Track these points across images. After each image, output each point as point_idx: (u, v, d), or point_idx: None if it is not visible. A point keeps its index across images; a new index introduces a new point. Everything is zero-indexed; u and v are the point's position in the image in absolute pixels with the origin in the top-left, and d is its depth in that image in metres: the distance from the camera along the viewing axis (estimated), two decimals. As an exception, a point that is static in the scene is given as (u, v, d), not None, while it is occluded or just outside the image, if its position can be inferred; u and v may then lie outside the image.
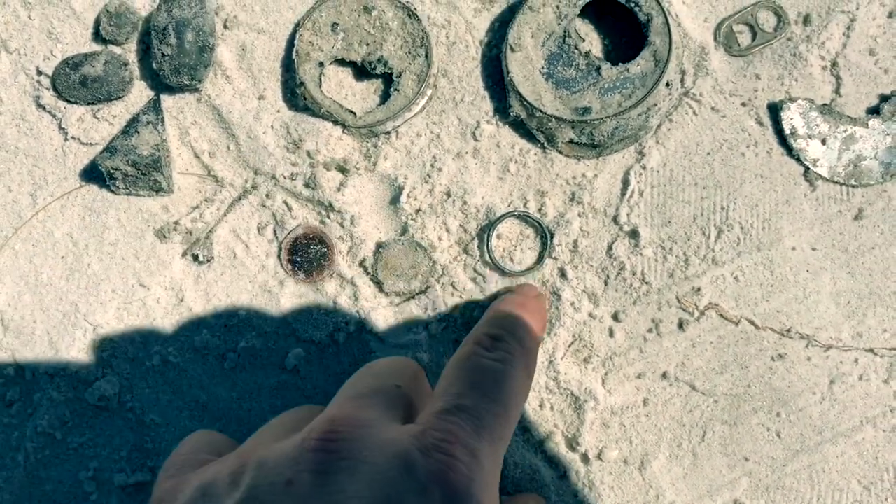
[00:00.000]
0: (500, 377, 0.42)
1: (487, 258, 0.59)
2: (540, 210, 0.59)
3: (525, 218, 0.52)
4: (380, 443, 0.35)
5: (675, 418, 0.57)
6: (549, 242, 0.56)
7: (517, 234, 0.60)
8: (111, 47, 0.61)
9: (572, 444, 0.58)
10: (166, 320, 0.61)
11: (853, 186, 0.58)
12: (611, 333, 0.58)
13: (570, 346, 0.58)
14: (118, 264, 0.61)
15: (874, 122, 0.59)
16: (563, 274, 0.58)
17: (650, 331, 0.58)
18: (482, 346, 0.44)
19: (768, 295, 0.57)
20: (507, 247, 0.59)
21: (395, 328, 0.60)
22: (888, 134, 0.58)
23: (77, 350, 0.61)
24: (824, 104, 0.59)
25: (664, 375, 0.57)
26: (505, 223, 0.59)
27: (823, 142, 0.59)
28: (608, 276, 0.58)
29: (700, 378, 0.57)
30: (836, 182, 0.58)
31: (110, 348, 0.61)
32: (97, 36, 0.62)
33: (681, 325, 0.58)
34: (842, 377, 0.56)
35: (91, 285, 0.61)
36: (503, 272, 0.59)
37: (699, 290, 0.58)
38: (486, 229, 0.59)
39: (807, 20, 0.60)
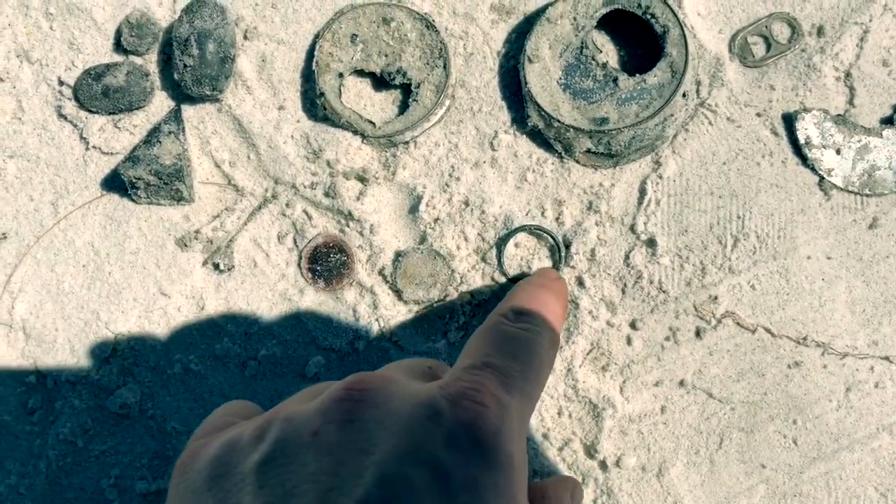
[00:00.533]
0: (527, 342, 0.41)
1: (500, 273, 0.60)
2: (557, 219, 0.60)
3: (537, 232, 0.50)
4: (406, 393, 0.34)
5: (693, 426, 0.58)
6: (561, 254, 0.56)
7: (535, 243, 0.60)
8: (132, 58, 0.62)
9: (591, 451, 0.58)
10: (187, 328, 0.61)
11: (867, 196, 0.59)
12: (628, 341, 0.59)
13: (588, 354, 0.59)
14: (139, 273, 0.62)
15: (888, 132, 0.59)
16: (580, 282, 0.59)
17: (667, 339, 0.58)
18: (507, 318, 0.44)
19: (784, 303, 0.58)
20: (525, 255, 0.60)
21: (414, 336, 0.60)
22: (902, 144, 0.59)
23: (98, 358, 0.61)
24: (838, 115, 0.60)
25: (682, 383, 0.58)
26: (520, 233, 0.60)
27: (838, 152, 0.59)
28: (625, 285, 0.59)
29: (717, 386, 0.58)
30: (851, 191, 0.59)
31: (132, 356, 0.61)
32: (118, 47, 0.63)
33: (698, 334, 0.58)
34: (858, 385, 0.57)
35: (112, 294, 0.62)
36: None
37: (716, 298, 0.58)
38: (499, 244, 0.59)
39: (820, 31, 0.61)
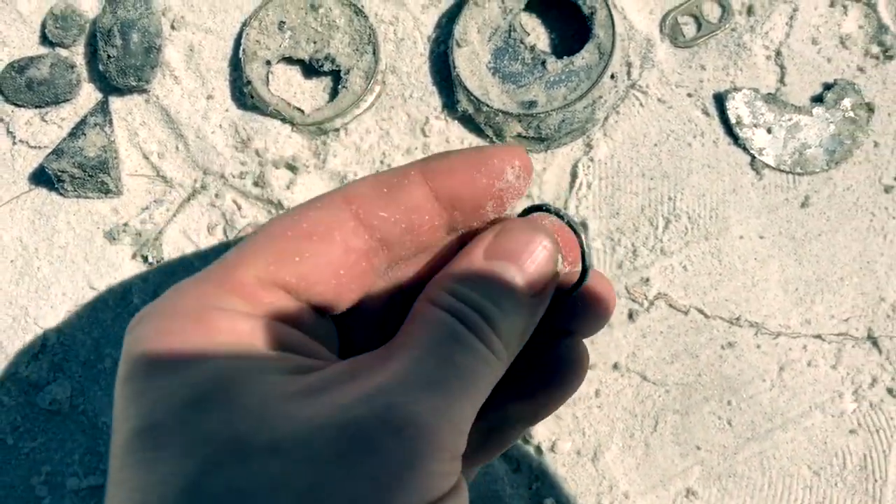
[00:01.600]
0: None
1: None
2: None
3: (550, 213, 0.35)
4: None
5: (627, 409, 0.58)
6: (583, 242, 0.35)
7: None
8: (58, 50, 0.62)
9: (525, 436, 0.58)
10: (117, 322, 0.61)
11: (799, 174, 0.59)
12: None
13: (521, 338, 0.59)
14: (68, 267, 0.61)
15: (818, 110, 0.60)
16: None
17: None
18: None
19: (717, 284, 0.58)
20: None
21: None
22: (831, 122, 0.59)
23: (27, 354, 0.61)
24: (769, 93, 0.60)
25: (615, 366, 0.58)
26: None
27: (769, 131, 0.59)
28: None
29: (651, 368, 0.58)
30: (783, 170, 0.59)
31: (61, 352, 0.61)
32: (44, 39, 0.62)
33: (631, 316, 0.58)
34: (791, 364, 0.57)
35: (41, 289, 0.61)
36: None
37: (648, 280, 0.58)
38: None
39: (750, 10, 0.61)
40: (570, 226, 0.33)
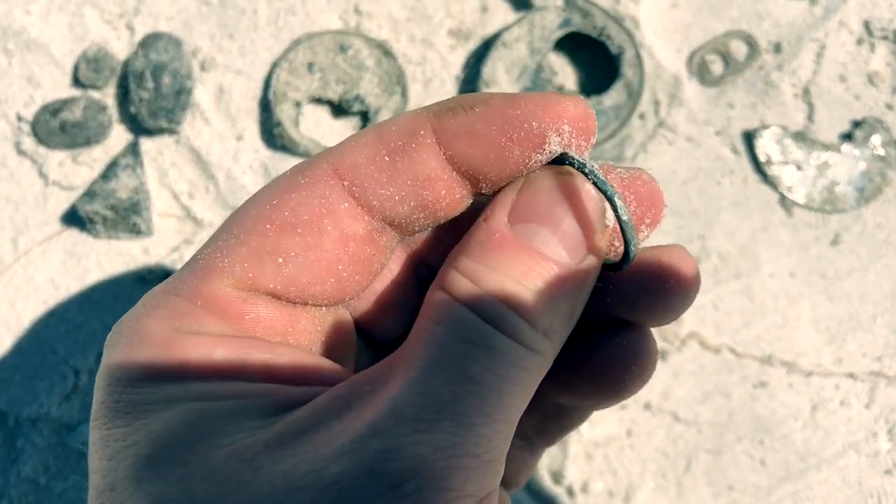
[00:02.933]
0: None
1: None
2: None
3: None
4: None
5: (659, 449, 0.58)
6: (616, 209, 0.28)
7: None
8: (90, 92, 0.63)
9: (557, 477, 0.58)
10: (148, 362, 0.62)
11: (829, 212, 0.60)
12: None
13: (552, 378, 0.59)
14: (98, 308, 0.62)
15: (847, 147, 0.60)
16: None
17: None
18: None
19: (748, 322, 0.58)
20: None
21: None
22: (860, 159, 0.60)
23: (59, 395, 0.61)
24: (797, 131, 0.61)
25: (647, 406, 0.58)
26: None
27: (798, 168, 0.60)
28: None
29: (683, 408, 0.58)
30: (812, 208, 0.60)
31: (93, 392, 0.62)
32: (76, 81, 0.64)
33: (662, 356, 0.59)
34: (824, 403, 0.57)
35: (72, 329, 0.62)
36: None
37: (680, 319, 0.59)
38: None
39: (778, 48, 0.62)
40: (597, 186, 0.24)
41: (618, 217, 0.25)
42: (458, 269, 0.24)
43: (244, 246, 0.25)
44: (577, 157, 0.25)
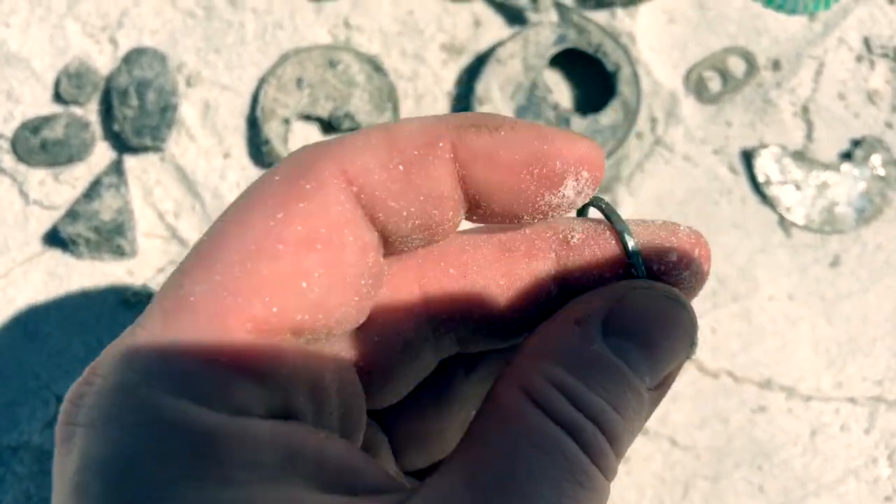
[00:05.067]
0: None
1: None
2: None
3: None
4: None
5: (657, 474, 0.59)
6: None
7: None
8: (72, 108, 0.63)
9: (552, 504, 0.59)
10: (133, 387, 0.61)
11: (828, 233, 0.60)
12: None
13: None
14: (81, 331, 0.62)
15: (846, 166, 0.61)
16: None
17: None
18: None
19: (746, 346, 0.59)
20: None
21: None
22: (860, 179, 0.60)
23: (40, 421, 0.61)
24: (796, 150, 0.61)
25: (644, 431, 0.59)
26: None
27: (797, 188, 0.61)
28: None
29: (680, 433, 0.59)
30: (812, 229, 0.60)
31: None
32: (58, 97, 0.63)
33: (659, 379, 0.59)
34: (823, 428, 0.58)
35: (54, 353, 0.62)
36: None
37: (676, 342, 0.59)
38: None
39: (776, 65, 0.62)
40: (616, 227, 0.25)
41: (630, 261, 0.25)
42: (551, 379, 0.22)
43: (255, 275, 0.21)
44: (608, 204, 0.25)
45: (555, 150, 0.23)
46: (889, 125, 0.61)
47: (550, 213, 0.24)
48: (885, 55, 0.62)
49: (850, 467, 0.57)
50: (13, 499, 0.61)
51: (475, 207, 0.24)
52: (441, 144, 0.22)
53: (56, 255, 0.62)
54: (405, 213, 0.23)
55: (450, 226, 0.24)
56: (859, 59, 0.62)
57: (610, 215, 0.25)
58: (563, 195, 0.23)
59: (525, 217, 0.24)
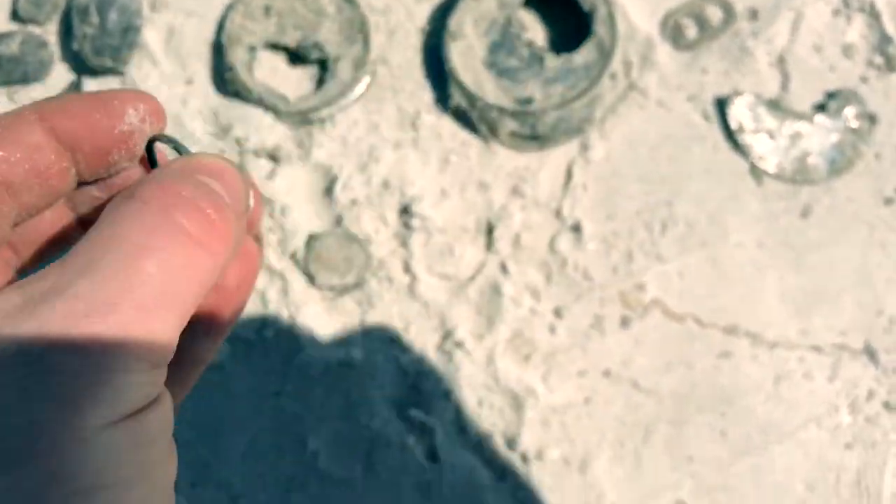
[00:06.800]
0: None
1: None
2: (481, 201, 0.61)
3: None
4: None
5: (618, 418, 0.59)
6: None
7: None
8: (30, 27, 0.62)
9: (511, 443, 0.59)
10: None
11: (799, 183, 0.61)
12: (552, 330, 0.60)
13: (510, 342, 0.60)
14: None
15: (820, 118, 0.62)
16: (504, 268, 0.60)
17: (593, 327, 0.60)
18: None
19: (713, 292, 0.59)
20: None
21: (327, 323, 0.60)
22: (833, 131, 0.61)
23: None
24: (771, 99, 0.62)
25: (607, 373, 0.59)
26: None
27: (770, 137, 0.61)
28: (550, 272, 0.60)
29: (644, 377, 0.59)
30: (783, 178, 0.61)
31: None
32: (15, 15, 0.62)
33: (624, 322, 0.59)
34: (787, 375, 0.59)
35: None
36: None
37: (643, 286, 0.60)
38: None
39: (754, 15, 0.63)
40: (178, 150, 0.31)
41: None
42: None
43: None
44: (167, 136, 0.31)
45: (111, 95, 0.30)
46: (864, 79, 0.62)
47: (129, 141, 0.30)
48: (862, 10, 0.63)
49: (812, 415, 0.58)
50: None
51: (74, 153, 0.30)
52: (26, 112, 0.29)
53: (8, 177, 0.62)
54: (13, 160, 0.29)
55: (59, 173, 0.30)
56: (836, 12, 0.63)
57: (171, 141, 0.30)
58: (130, 122, 0.30)
59: (113, 149, 0.30)
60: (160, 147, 0.32)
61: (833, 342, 0.59)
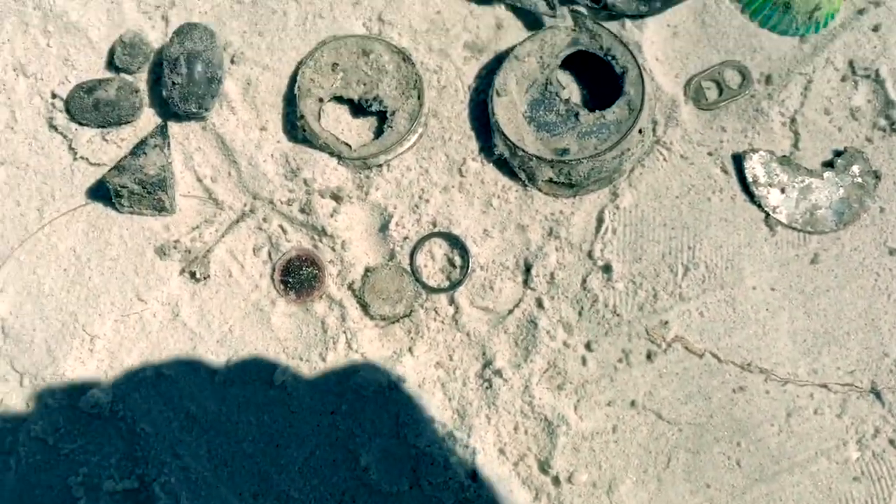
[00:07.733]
0: None
1: (411, 273, 0.64)
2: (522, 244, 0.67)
3: (448, 237, 0.46)
4: None
5: (642, 445, 0.63)
6: (468, 260, 0.55)
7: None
8: (123, 75, 0.69)
9: (544, 466, 0.62)
10: (161, 333, 0.66)
11: (809, 233, 0.66)
12: (583, 362, 0.63)
13: (544, 372, 0.64)
14: (118, 279, 0.67)
15: (829, 174, 0.67)
16: (540, 304, 0.63)
17: (620, 360, 0.62)
18: None
19: (730, 330, 0.63)
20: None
21: (379, 349, 0.66)
22: (841, 186, 0.66)
23: (74, 359, 0.66)
24: (784, 156, 0.67)
25: (633, 404, 0.63)
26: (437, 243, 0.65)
27: (783, 190, 0.67)
28: (582, 308, 0.64)
29: (666, 407, 0.63)
30: (794, 228, 0.66)
31: (106, 358, 0.66)
32: (111, 64, 0.67)
33: (649, 356, 0.63)
34: (798, 410, 0.61)
35: (91, 297, 0.67)
36: (425, 287, 0.63)
37: (667, 323, 0.63)
38: (413, 247, 0.63)
39: (768, 80, 0.68)
40: None
41: None
42: None
43: None
44: None
45: None
46: (869, 139, 0.66)
47: None
48: (868, 76, 0.67)
49: (822, 448, 0.61)
50: (42, 429, 0.66)
51: None
52: None
53: (98, 208, 0.67)
54: None
55: None
56: (844, 78, 0.67)
57: None
58: None
59: None
60: None
61: (841, 381, 0.63)
